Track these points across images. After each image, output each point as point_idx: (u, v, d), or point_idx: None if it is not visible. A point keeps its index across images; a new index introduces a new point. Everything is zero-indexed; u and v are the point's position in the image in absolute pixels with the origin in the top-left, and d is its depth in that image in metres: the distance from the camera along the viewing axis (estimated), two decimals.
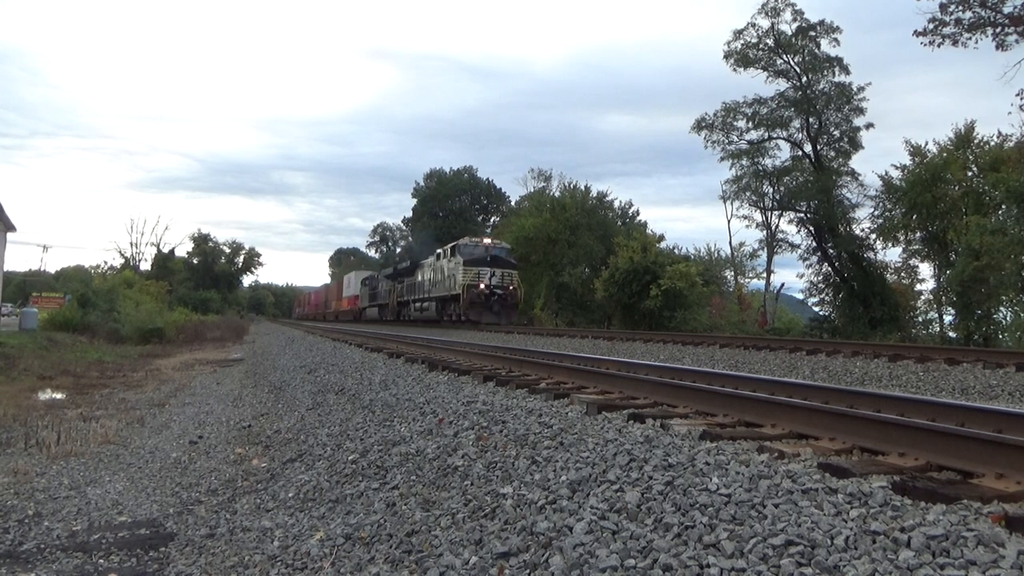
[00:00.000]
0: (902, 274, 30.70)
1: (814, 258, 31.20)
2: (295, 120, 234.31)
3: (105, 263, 76.76)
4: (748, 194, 33.04)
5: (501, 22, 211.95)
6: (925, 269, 31.15)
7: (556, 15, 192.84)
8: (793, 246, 33.09)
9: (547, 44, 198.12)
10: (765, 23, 30.54)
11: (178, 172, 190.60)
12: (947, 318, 27.61)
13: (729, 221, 77.15)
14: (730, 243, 61.33)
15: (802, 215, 31.36)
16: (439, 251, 33.23)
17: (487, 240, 32.46)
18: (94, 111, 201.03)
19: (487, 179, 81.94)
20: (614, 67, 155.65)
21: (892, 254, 47.05)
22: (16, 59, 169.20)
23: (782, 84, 30.96)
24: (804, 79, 30.38)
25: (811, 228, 31.16)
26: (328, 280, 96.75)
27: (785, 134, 31.38)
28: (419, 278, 35.75)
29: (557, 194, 49.02)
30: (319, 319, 69.25)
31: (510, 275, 29.24)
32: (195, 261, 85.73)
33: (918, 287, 30.71)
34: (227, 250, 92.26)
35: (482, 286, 28.06)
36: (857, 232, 29.76)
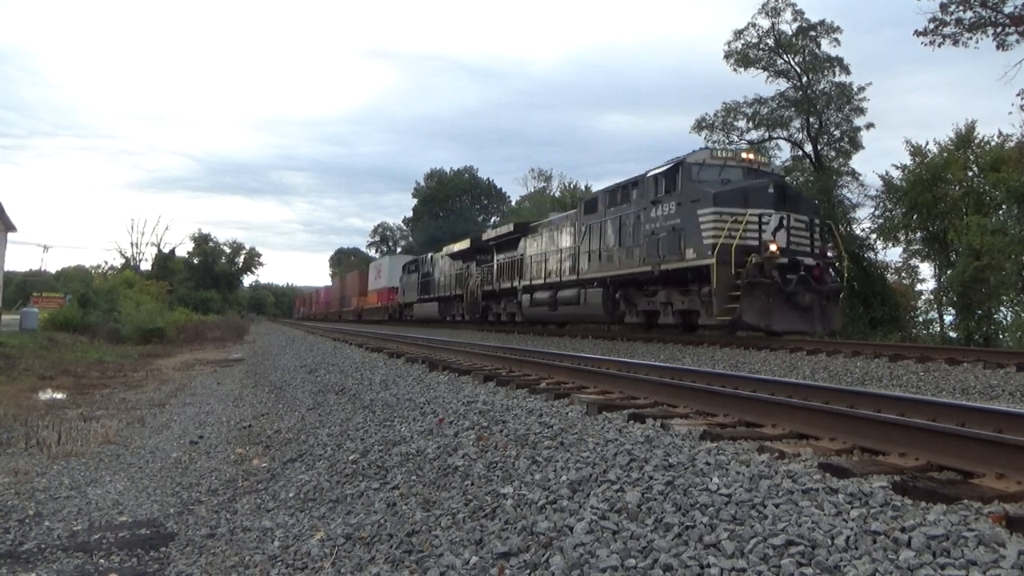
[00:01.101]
0: (902, 274, 30.74)
1: None
2: (294, 120, 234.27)
3: (105, 263, 76.80)
4: None
5: (501, 22, 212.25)
6: (925, 269, 31.20)
7: (556, 15, 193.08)
8: None
9: (547, 44, 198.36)
10: (765, 23, 30.54)
11: (178, 172, 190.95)
12: (947, 318, 27.65)
13: None
14: None
15: None
16: (595, 196, 18.82)
17: (748, 154, 15.70)
18: (94, 111, 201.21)
19: (487, 179, 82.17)
20: (614, 67, 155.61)
21: (892, 254, 47.06)
22: (16, 59, 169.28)
23: (782, 84, 30.99)
24: (804, 79, 30.38)
25: None
26: (329, 280, 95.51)
27: (785, 134, 31.40)
28: (533, 250, 22.16)
29: (557, 194, 49.05)
30: (331, 320, 58.39)
31: (825, 228, 15.13)
32: (195, 261, 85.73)
33: (918, 287, 30.77)
34: (227, 250, 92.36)
35: (773, 248, 13.05)
36: (857, 232, 29.78)
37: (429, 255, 35.68)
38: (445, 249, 32.26)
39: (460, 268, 29.33)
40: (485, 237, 27.99)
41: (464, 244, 29.61)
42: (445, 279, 31.12)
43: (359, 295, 49.97)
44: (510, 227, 25.38)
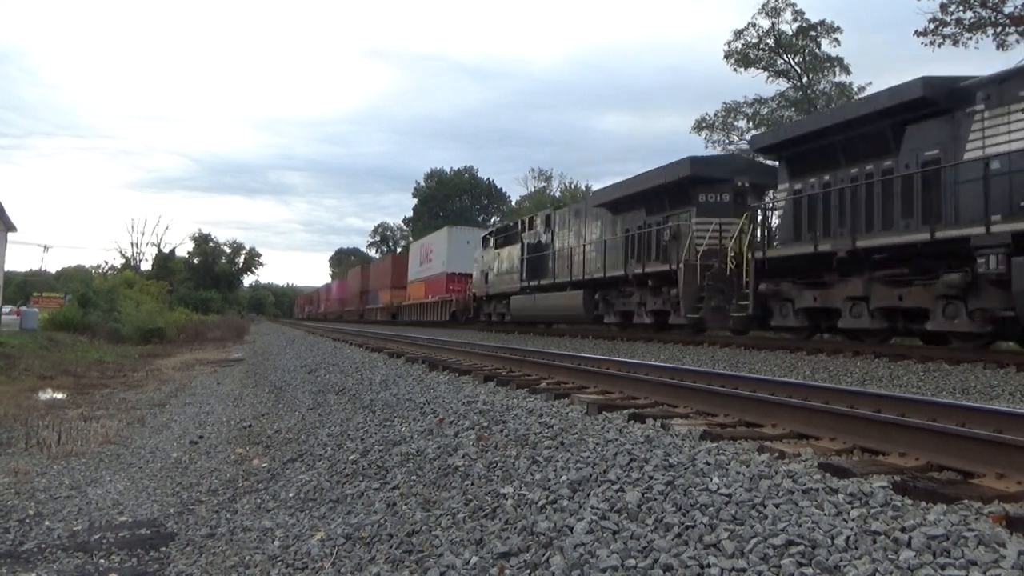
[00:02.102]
0: None
1: None
2: (294, 120, 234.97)
3: (106, 263, 76.90)
4: None
5: (500, 22, 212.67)
6: None
7: (555, 15, 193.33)
8: None
9: (546, 44, 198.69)
10: (765, 23, 30.61)
11: (177, 172, 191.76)
12: None
13: None
14: None
15: None
16: None
17: None
18: (93, 111, 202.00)
19: (487, 179, 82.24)
20: (613, 67, 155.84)
21: None
22: (15, 59, 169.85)
23: (782, 84, 31.07)
24: (805, 79, 30.42)
25: None
26: (328, 279, 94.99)
27: None
28: None
29: (557, 194, 49.06)
30: (345, 320, 48.30)
31: None
32: (195, 261, 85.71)
33: None
34: (227, 250, 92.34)
35: None
36: None
37: (539, 215, 23.09)
38: (592, 197, 19.69)
39: (635, 227, 16.82)
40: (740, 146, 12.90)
41: (651, 179, 15.96)
42: (591, 250, 18.29)
43: (392, 288, 37.83)
44: (878, 102, 11.13)
